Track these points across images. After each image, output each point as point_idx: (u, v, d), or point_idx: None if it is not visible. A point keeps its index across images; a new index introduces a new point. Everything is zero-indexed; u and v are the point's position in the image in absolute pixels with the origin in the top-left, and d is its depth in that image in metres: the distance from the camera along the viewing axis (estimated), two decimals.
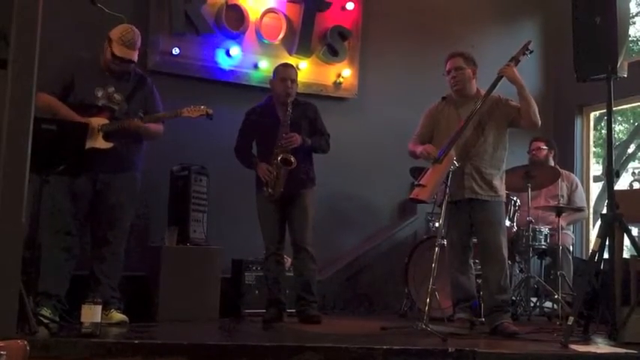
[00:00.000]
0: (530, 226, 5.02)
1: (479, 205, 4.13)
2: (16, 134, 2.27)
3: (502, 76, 4.11)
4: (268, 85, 4.84)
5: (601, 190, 10.10)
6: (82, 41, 4.66)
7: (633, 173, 4.44)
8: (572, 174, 5.93)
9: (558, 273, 4.89)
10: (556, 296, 4.79)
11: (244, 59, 5.66)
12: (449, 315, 4.26)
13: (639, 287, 3.89)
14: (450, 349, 3.10)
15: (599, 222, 3.87)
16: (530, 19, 7.07)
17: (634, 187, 4.35)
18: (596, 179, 8.86)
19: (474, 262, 4.37)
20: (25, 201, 2.31)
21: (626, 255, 4.18)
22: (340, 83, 6.03)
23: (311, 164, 4.68)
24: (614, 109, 3.98)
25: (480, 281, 4.29)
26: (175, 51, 5.37)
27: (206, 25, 5.51)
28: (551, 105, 6.88)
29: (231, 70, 5.60)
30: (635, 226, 5.20)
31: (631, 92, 5.78)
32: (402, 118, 5.37)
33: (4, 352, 1.83)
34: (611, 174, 3.83)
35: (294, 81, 4.61)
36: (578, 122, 6.91)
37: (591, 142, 7.04)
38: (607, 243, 3.72)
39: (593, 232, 6.57)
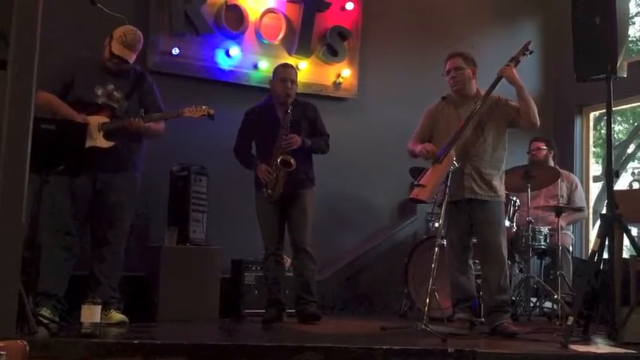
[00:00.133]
0: (530, 226, 5.02)
1: (478, 205, 4.13)
2: (16, 134, 2.27)
3: (502, 77, 4.12)
4: (268, 86, 4.83)
5: (601, 190, 10.10)
6: (82, 41, 4.65)
7: (633, 173, 4.44)
8: (571, 174, 5.92)
9: (558, 273, 4.88)
10: (556, 296, 4.78)
11: (244, 59, 5.65)
12: (449, 315, 4.26)
13: (639, 287, 3.90)
14: (449, 350, 3.10)
15: (598, 222, 3.87)
16: (530, 19, 7.07)
17: (633, 187, 4.36)
18: (596, 179, 8.86)
19: (474, 262, 4.36)
20: (25, 201, 2.31)
21: (625, 255, 4.19)
22: (340, 83, 6.03)
23: (310, 164, 4.68)
24: (613, 109, 3.97)
25: (479, 281, 4.29)
26: (175, 51, 5.37)
27: (206, 25, 5.51)
28: (551, 105, 6.88)
29: (231, 71, 5.60)
30: (635, 226, 5.21)
31: (631, 92, 5.78)
32: (401, 118, 5.37)
33: (4, 353, 1.83)
34: (610, 174, 3.82)
35: (293, 81, 4.61)
36: (577, 122, 6.91)
37: (591, 142, 7.03)
38: (607, 243, 3.72)
39: (593, 232, 6.57)
